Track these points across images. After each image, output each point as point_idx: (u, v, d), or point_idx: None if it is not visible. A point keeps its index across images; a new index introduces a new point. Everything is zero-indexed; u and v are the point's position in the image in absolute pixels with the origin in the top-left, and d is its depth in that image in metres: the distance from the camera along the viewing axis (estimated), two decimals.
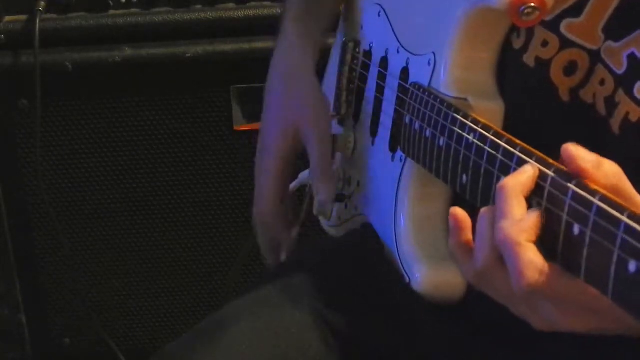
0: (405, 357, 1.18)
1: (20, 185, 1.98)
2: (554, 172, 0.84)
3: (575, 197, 0.80)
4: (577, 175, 0.81)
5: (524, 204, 0.84)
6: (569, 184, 0.81)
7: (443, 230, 1.15)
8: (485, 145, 0.94)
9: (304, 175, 1.42)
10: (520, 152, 0.89)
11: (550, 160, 0.85)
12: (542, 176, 0.85)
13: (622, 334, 0.89)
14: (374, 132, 1.26)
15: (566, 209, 0.81)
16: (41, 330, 2.09)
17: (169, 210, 2.02)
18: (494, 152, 0.92)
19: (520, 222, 0.83)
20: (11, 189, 2.00)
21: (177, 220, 2.03)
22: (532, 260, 0.81)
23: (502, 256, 0.84)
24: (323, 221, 1.42)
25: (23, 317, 2.08)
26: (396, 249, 1.16)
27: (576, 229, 0.79)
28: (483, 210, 0.88)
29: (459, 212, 0.90)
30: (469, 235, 0.90)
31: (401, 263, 1.15)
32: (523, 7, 0.95)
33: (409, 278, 1.13)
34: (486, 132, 0.95)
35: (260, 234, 1.36)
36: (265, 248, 1.38)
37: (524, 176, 0.85)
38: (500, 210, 0.84)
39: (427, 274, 1.12)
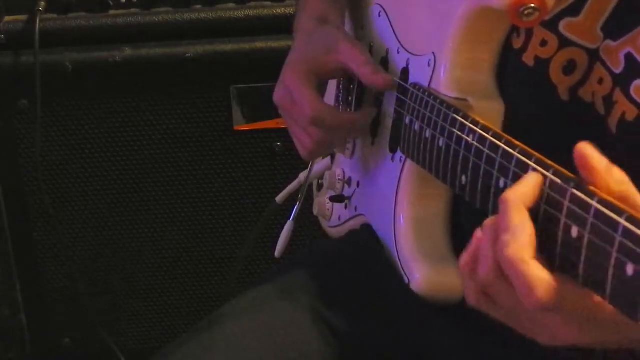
0: (404, 357, 1.18)
1: (20, 185, 1.98)
2: (552, 173, 0.83)
3: (574, 199, 0.79)
4: (584, 175, 0.80)
5: (526, 215, 0.82)
6: (567, 186, 0.80)
7: (443, 231, 1.15)
8: (485, 146, 0.94)
9: (303, 174, 1.42)
10: (519, 153, 0.88)
11: (549, 162, 0.84)
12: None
13: (626, 347, 0.87)
14: (373, 133, 1.26)
15: (564, 211, 0.80)
16: (41, 330, 2.09)
17: (169, 210, 2.02)
18: (492, 153, 0.92)
19: (518, 238, 0.81)
20: (11, 189, 1.99)
21: (177, 220, 2.03)
22: (540, 276, 0.79)
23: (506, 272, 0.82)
24: (323, 222, 1.42)
25: (23, 317, 2.08)
26: (395, 249, 1.16)
27: (574, 231, 0.79)
28: (486, 222, 0.86)
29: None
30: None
31: (400, 264, 1.15)
32: (523, 8, 0.95)
33: (408, 279, 1.13)
34: (485, 133, 0.95)
35: (316, 141, 1.24)
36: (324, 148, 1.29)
37: (526, 187, 0.83)
38: (500, 223, 0.83)
39: (427, 275, 1.12)
